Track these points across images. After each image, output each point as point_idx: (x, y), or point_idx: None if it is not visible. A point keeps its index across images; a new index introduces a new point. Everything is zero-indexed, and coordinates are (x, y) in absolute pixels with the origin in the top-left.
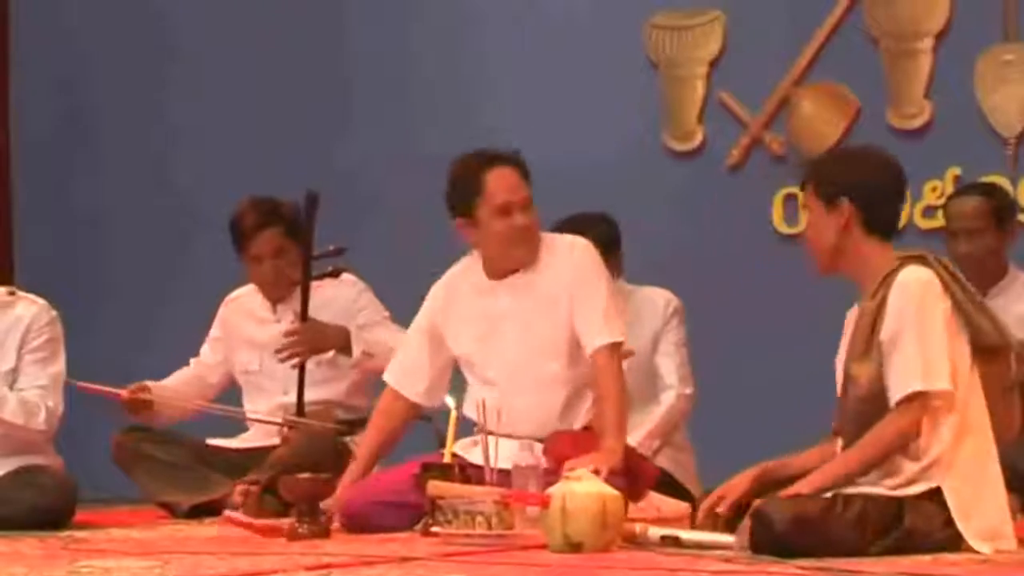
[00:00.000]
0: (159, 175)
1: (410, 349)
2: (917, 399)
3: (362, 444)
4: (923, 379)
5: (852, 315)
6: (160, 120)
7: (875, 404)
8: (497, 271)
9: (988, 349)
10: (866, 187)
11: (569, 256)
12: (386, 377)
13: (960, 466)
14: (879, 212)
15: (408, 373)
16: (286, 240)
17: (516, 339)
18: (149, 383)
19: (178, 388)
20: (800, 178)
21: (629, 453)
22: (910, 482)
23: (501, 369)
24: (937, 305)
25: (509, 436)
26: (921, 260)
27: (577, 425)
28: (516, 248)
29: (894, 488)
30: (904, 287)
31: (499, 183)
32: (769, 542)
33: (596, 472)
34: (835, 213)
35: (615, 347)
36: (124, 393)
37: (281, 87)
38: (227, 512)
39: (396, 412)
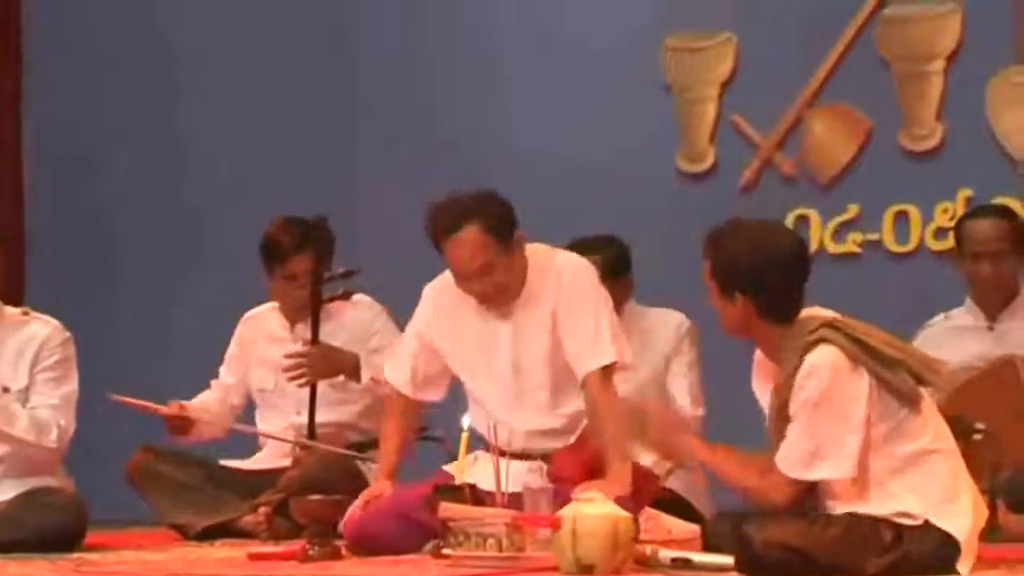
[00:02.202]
0: (171, 190)
1: (405, 348)
2: (794, 481)
3: (383, 454)
4: (804, 467)
5: (756, 371)
6: (172, 134)
7: None
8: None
9: (911, 398)
10: (762, 282)
11: (557, 280)
12: (386, 375)
13: (937, 494)
14: (776, 304)
15: (401, 368)
16: (318, 264)
17: (507, 366)
18: (184, 403)
19: (206, 408)
20: (703, 252)
21: (634, 467)
22: (896, 515)
23: (493, 392)
24: (840, 390)
25: (506, 452)
26: (830, 328)
27: (573, 438)
28: (485, 304)
29: (891, 514)
30: (809, 371)
31: (452, 255)
32: (750, 562)
33: None
34: (732, 303)
35: (607, 370)
36: (164, 409)
37: (292, 101)
38: (250, 550)
39: (406, 409)
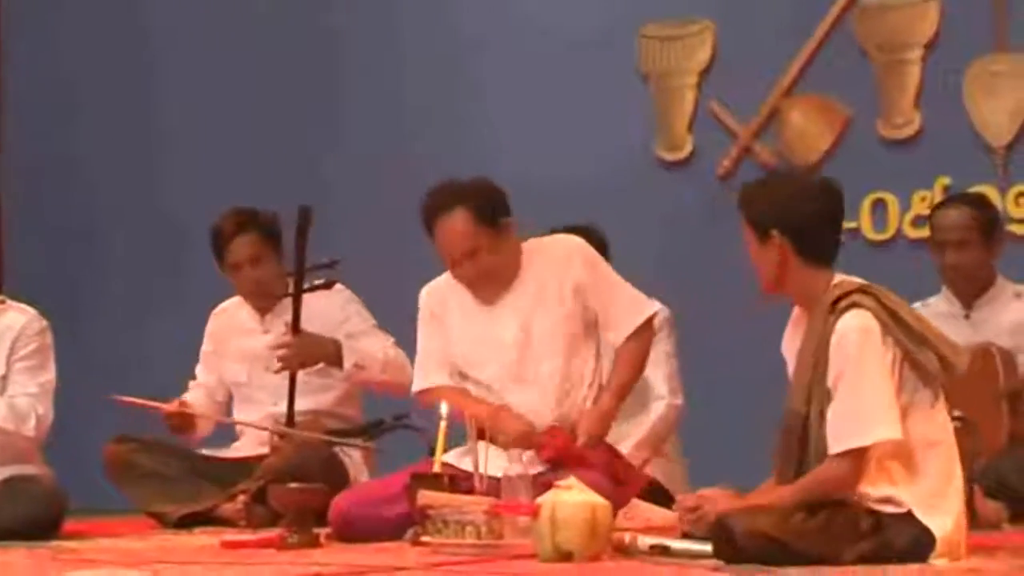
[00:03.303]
0: (149, 187)
1: (428, 352)
2: (855, 452)
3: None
4: (859, 434)
5: (789, 333)
6: (150, 132)
7: (807, 445)
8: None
9: (935, 379)
10: (796, 217)
11: (562, 251)
12: (421, 386)
13: (927, 485)
14: (812, 242)
15: (442, 365)
16: (261, 247)
17: (513, 340)
18: (185, 400)
19: (200, 408)
20: (736, 206)
21: (616, 461)
22: (880, 503)
23: (497, 370)
24: (875, 350)
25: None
26: (857, 304)
27: (574, 416)
28: (475, 290)
29: (872, 502)
30: (843, 337)
31: (441, 237)
32: (729, 552)
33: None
34: (769, 246)
35: (648, 323)
36: (168, 408)
37: (272, 99)
38: (224, 538)
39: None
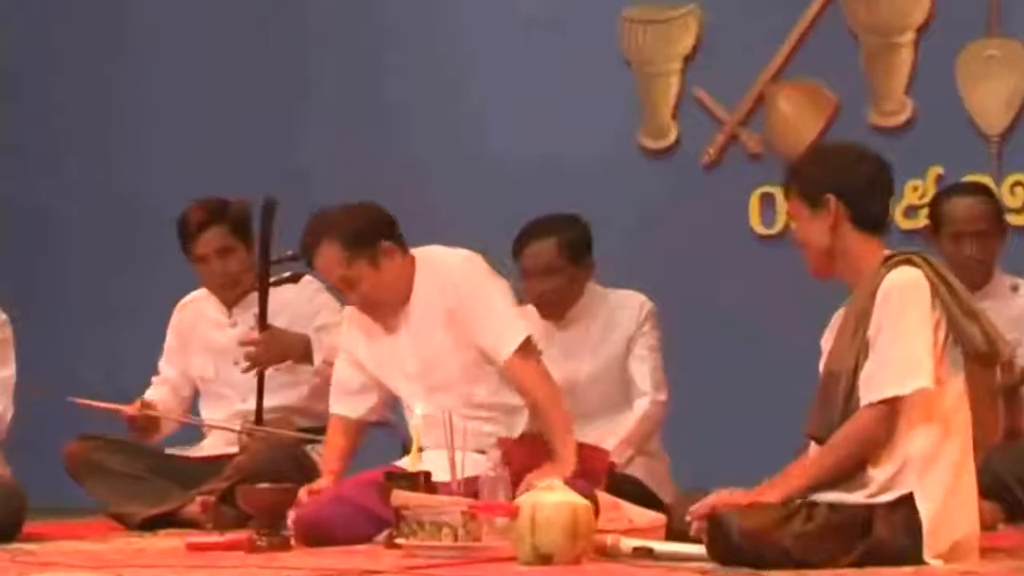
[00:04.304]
0: (110, 175)
1: (341, 372)
2: (890, 401)
3: (325, 457)
4: (898, 382)
5: (838, 318)
6: (111, 117)
7: (850, 402)
8: None
9: (978, 356)
10: (850, 181)
11: (445, 281)
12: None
13: (936, 472)
14: (867, 206)
15: (350, 396)
16: (232, 239)
17: (414, 369)
18: (147, 399)
19: (165, 405)
20: (783, 183)
21: (577, 447)
22: (882, 490)
23: (412, 397)
24: (922, 304)
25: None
26: (910, 261)
27: (518, 432)
28: (369, 315)
29: (867, 497)
30: (891, 286)
31: (321, 268)
32: (724, 551)
33: None
34: (822, 213)
35: (525, 346)
36: (128, 410)
37: (238, 84)
38: (188, 540)
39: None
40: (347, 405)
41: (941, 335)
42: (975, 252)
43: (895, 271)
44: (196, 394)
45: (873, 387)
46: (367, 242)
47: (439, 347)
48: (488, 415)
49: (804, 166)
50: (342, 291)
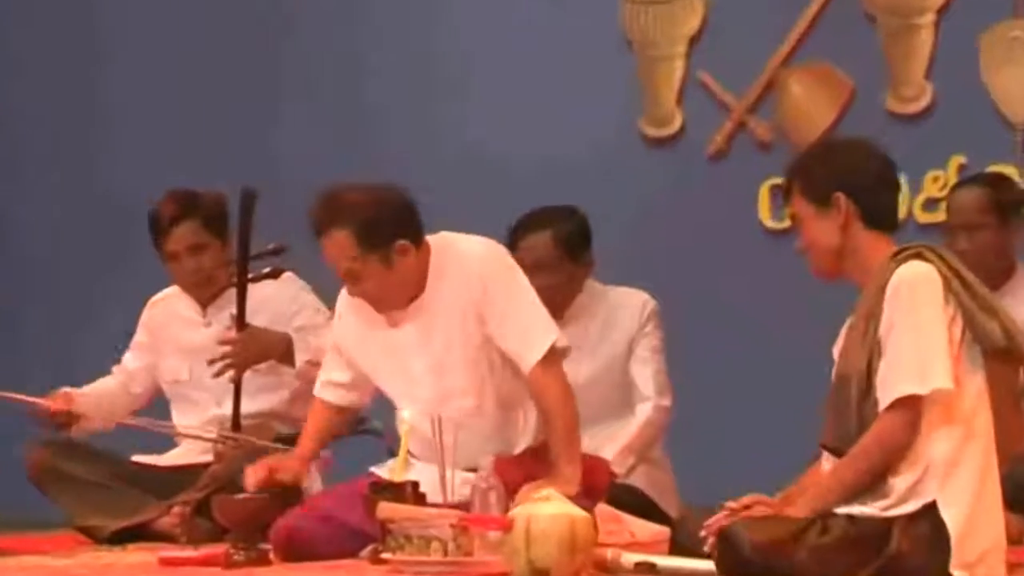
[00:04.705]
0: (86, 163)
1: (331, 364)
2: (909, 402)
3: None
4: (916, 380)
5: (848, 328)
6: (77, 115)
7: (865, 406)
8: None
9: (998, 353)
10: (860, 178)
11: (466, 274)
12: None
13: (960, 478)
14: (877, 202)
15: (338, 388)
16: (205, 234)
17: (422, 369)
18: (72, 391)
19: (101, 397)
20: (785, 182)
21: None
22: (902, 500)
23: (411, 399)
24: (935, 299)
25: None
26: (920, 255)
27: (520, 448)
28: (376, 309)
29: (885, 508)
30: (901, 281)
31: (325, 254)
32: (735, 566)
33: None
34: (831, 212)
35: (551, 355)
36: (48, 403)
37: (220, 68)
38: (161, 554)
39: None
40: (334, 394)
41: (957, 331)
42: (965, 246)
43: (904, 265)
44: (160, 394)
45: (890, 388)
46: (383, 239)
47: (452, 348)
48: (491, 430)
49: (809, 163)
50: (344, 281)
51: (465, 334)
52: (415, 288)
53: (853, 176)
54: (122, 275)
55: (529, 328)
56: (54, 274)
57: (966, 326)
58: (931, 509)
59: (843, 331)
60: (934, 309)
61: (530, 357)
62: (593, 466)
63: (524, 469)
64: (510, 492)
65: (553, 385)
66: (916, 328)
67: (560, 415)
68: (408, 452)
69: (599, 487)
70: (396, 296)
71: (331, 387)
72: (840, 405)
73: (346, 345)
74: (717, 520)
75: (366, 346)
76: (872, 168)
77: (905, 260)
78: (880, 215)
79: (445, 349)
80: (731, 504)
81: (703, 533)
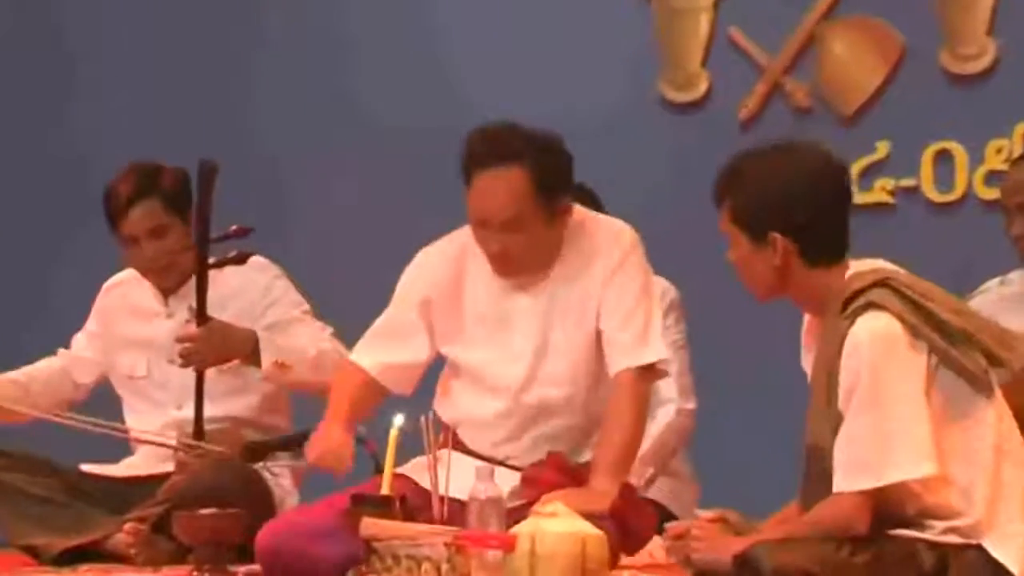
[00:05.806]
0: (47, 135)
1: (390, 324)
2: (864, 493)
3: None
4: (871, 473)
5: (805, 344)
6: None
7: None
8: None
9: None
10: (800, 214)
11: (600, 255)
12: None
13: (1002, 513)
14: (820, 239)
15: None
16: (166, 216)
17: (527, 347)
18: None
19: (32, 381)
20: (715, 192)
21: (628, 492)
22: (949, 530)
23: (501, 378)
24: (900, 365)
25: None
26: (881, 287)
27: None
28: (500, 272)
29: (935, 532)
30: (856, 347)
31: (480, 196)
32: None
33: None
34: (766, 250)
35: (650, 370)
36: None
37: (188, 35)
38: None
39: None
40: (384, 374)
41: (938, 378)
42: (1020, 231)
43: (860, 321)
44: (96, 383)
45: (843, 473)
46: (556, 191)
47: (562, 332)
48: (563, 431)
49: (740, 188)
50: (483, 228)
51: (579, 322)
52: (551, 259)
53: (792, 214)
54: (77, 246)
55: (645, 331)
56: (10, 241)
57: (948, 367)
58: (980, 549)
59: (804, 339)
60: (897, 374)
61: (631, 359)
62: (643, 510)
63: (577, 483)
64: (542, 484)
65: (636, 399)
66: (876, 405)
67: (627, 429)
68: (457, 447)
69: (643, 536)
70: (536, 261)
71: (384, 342)
72: (816, 475)
73: (436, 295)
74: (675, 526)
75: (464, 306)
76: (817, 199)
77: (860, 311)
78: (826, 250)
79: (555, 331)
80: (705, 515)
81: (663, 539)
